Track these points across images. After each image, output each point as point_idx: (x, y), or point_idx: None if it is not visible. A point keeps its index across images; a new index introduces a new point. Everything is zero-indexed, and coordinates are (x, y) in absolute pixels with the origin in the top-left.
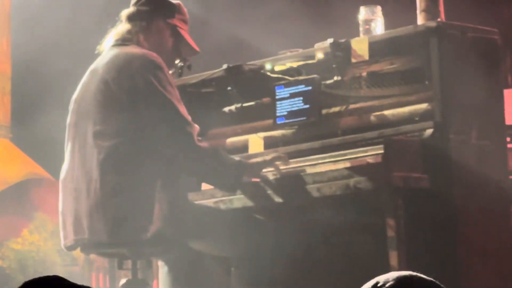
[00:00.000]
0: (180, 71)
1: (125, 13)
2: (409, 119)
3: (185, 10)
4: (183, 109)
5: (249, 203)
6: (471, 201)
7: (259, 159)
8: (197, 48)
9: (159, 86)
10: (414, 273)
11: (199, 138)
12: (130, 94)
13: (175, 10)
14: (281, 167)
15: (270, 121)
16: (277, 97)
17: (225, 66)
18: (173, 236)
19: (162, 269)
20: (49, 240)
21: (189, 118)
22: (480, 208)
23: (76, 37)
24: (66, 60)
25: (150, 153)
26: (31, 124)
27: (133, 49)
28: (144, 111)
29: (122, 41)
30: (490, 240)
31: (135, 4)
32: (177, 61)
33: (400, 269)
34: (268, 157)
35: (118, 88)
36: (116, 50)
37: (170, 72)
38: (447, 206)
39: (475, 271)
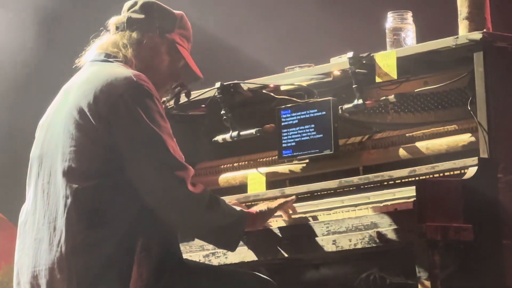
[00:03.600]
0: (176, 97)
1: (113, 21)
2: (448, 153)
3: (189, 24)
4: (174, 147)
5: (249, 257)
6: None
7: (263, 208)
8: (199, 73)
9: (147, 117)
10: None
11: (193, 183)
12: (109, 126)
13: (175, 22)
14: (289, 214)
15: (274, 154)
16: (282, 123)
17: (218, 84)
18: None
19: None
20: None
21: (181, 158)
22: None
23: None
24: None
25: (131, 202)
26: None
27: (117, 69)
28: (126, 148)
29: (106, 56)
30: None
31: (128, 10)
32: (173, 86)
33: None
34: (273, 204)
35: (94, 118)
36: (96, 68)
37: (164, 99)
38: (494, 262)
39: None
